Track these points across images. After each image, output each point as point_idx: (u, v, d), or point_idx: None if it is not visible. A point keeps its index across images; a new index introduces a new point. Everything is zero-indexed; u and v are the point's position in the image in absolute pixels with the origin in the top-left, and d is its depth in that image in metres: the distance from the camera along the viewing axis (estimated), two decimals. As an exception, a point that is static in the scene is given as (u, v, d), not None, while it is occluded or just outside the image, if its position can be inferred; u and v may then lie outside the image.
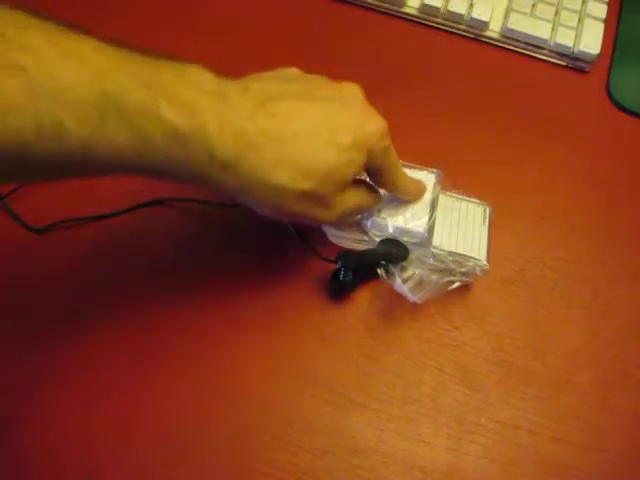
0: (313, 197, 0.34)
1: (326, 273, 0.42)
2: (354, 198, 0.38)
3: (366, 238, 0.42)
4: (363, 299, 0.43)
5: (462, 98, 0.53)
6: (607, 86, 0.54)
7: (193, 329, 0.41)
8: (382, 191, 0.42)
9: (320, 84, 0.37)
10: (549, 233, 0.47)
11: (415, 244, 0.41)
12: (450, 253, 0.41)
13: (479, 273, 0.42)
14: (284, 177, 0.33)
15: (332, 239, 0.42)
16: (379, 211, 0.42)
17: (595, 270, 0.46)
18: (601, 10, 0.55)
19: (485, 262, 0.41)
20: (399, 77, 0.53)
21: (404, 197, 0.42)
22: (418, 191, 0.43)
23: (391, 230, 0.41)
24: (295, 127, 0.33)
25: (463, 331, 0.43)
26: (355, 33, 0.55)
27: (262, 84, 0.34)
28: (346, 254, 0.41)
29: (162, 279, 0.43)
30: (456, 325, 0.43)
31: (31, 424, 0.38)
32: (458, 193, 0.45)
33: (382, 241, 0.41)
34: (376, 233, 0.42)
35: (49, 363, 0.40)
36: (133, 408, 0.39)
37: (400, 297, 0.41)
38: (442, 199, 0.44)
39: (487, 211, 0.44)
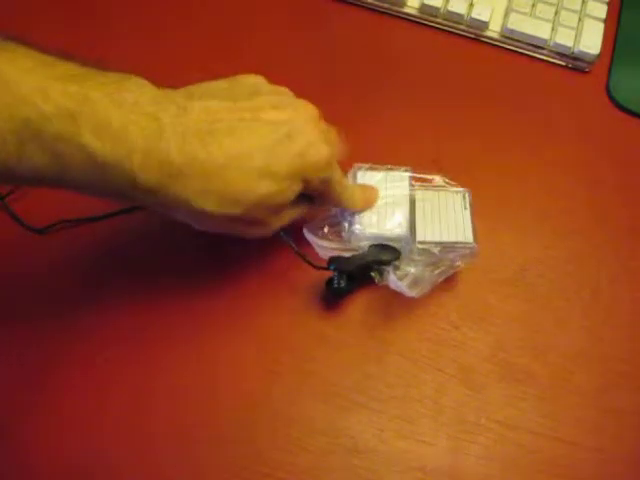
0: (244, 220, 0.34)
1: (325, 274, 0.42)
2: (292, 213, 0.38)
3: (355, 247, 0.42)
4: (362, 300, 0.43)
5: (461, 98, 0.53)
6: (607, 86, 0.54)
7: (192, 330, 0.41)
8: None
9: (272, 103, 0.35)
10: (549, 233, 0.47)
11: (404, 245, 0.41)
12: (436, 244, 0.41)
13: (469, 255, 0.41)
14: (209, 204, 0.32)
15: (320, 251, 0.42)
16: (358, 223, 0.42)
17: (595, 270, 0.46)
18: (601, 10, 0.55)
19: (473, 243, 0.41)
20: (398, 77, 0.53)
21: (352, 210, 0.42)
22: (367, 200, 0.42)
23: (370, 238, 0.41)
24: (228, 155, 0.32)
25: (463, 331, 0.43)
26: (355, 33, 0.55)
27: (206, 102, 0.33)
28: (338, 259, 0.40)
29: (161, 280, 0.43)
30: (456, 325, 0.43)
31: (32, 424, 0.38)
32: (435, 184, 0.44)
33: (372, 245, 0.41)
34: (358, 244, 0.42)
35: (49, 362, 0.40)
36: (132, 409, 0.39)
37: (399, 298, 0.41)
38: (420, 194, 0.44)
39: (467, 196, 0.44)
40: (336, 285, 0.40)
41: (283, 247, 0.42)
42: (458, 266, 0.41)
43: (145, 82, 0.31)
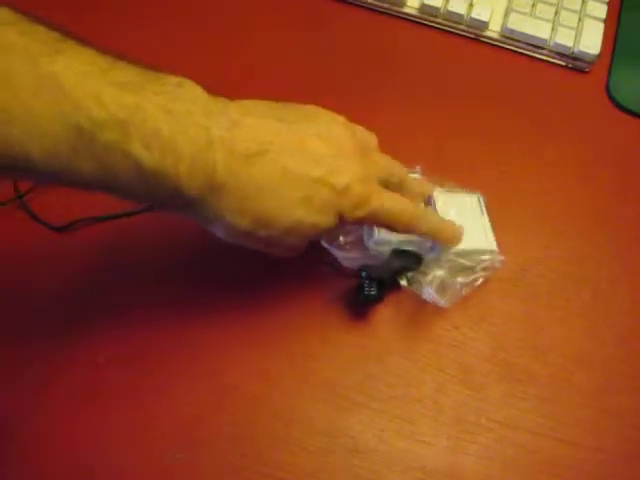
0: (276, 242, 0.34)
1: (328, 276, 0.42)
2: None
3: (373, 254, 0.42)
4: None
5: (462, 98, 0.53)
6: (607, 86, 0.54)
7: (193, 329, 0.41)
8: None
9: (320, 133, 0.35)
10: (549, 233, 0.47)
11: (425, 251, 0.41)
12: (464, 251, 0.41)
13: (497, 264, 0.42)
14: (245, 224, 0.32)
15: (344, 262, 0.41)
16: (378, 230, 0.42)
17: (595, 270, 0.46)
18: (601, 10, 0.55)
19: (499, 254, 0.42)
20: (398, 77, 0.53)
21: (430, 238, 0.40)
22: (446, 231, 0.41)
23: (393, 243, 0.41)
24: (270, 179, 0.32)
25: (463, 331, 0.43)
26: (355, 33, 0.55)
27: (258, 120, 0.33)
28: (368, 267, 0.40)
29: (169, 278, 0.43)
30: (456, 325, 0.43)
31: (35, 425, 0.38)
32: (447, 187, 0.44)
33: (393, 252, 0.41)
34: (380, 249, 0.41)
35: (52, 362, 0.40)
36: (133, 408, 0.39)
37: (399, 298, 0.41)
38: (436, 197, 0.43)
39: (481, 200, 0.44)
40: (367, 292, 0.40)
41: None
42: (487, 276, 0.42)
43: (199, 90, 0.31)
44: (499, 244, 0.43)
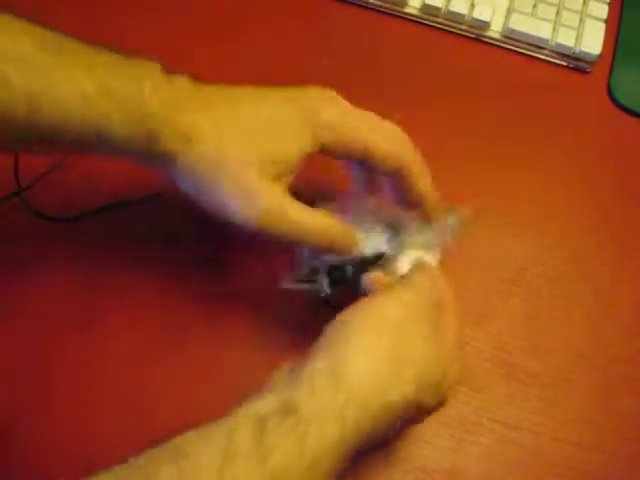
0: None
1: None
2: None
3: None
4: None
5: (463, 98, 0.52)
6: (608, 86, 0.54)
7: (193, 328, 0.41)
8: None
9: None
10: (549, 233, 0.47)
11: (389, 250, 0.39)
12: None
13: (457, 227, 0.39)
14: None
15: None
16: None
17: (596, 270, 0.46)
18: (602, 10, 0.55)
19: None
20: (399, 77, 0.53)
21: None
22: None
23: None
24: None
25: (463, 331, 0.43)
26: (355, 33, 0.55)
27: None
28: (336, 268, 0.38)
29: (163, 275, 0.43)
30: (457, 325, 0.43)
31: (37, 418, 0.38)
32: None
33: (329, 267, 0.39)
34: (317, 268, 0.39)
35: (52, 358, 0.40)
36: (134, 405, 0.39)
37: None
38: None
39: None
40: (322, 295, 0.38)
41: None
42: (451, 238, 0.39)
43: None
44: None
